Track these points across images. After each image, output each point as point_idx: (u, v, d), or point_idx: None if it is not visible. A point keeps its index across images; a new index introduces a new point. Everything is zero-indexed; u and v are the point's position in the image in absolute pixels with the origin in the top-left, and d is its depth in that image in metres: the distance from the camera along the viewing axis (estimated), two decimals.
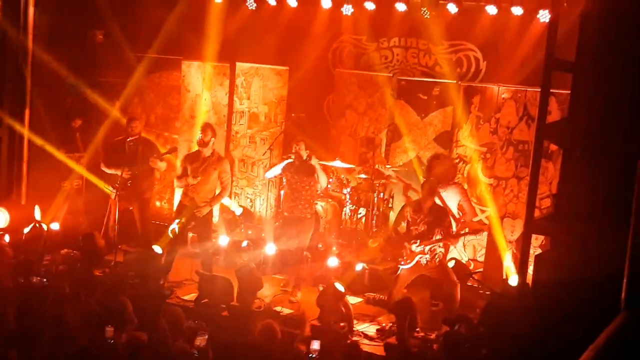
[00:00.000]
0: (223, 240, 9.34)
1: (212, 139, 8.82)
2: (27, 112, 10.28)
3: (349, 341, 7.11)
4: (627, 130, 5.29)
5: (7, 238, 8.96)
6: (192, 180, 8.74)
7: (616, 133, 5.31)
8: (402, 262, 8.02)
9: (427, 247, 7.90)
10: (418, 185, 9.15)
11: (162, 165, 9.67)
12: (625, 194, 5.06)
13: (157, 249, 8.62)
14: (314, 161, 8.79)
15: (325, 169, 9.50)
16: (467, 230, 8.45)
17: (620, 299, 4.20)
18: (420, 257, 7.94)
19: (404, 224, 8.19)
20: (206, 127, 8.91)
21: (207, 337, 6.13)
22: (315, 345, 6.10)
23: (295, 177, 8.93)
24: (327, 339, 6.52)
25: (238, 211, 10.43)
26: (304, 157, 8.83)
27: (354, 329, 7.61)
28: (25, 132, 10.34)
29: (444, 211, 8.16)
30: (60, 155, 10.29)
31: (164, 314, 6.56)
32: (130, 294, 7.37)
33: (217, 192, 8.93)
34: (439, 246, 7.96)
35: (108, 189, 9.62)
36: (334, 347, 6.43)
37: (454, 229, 8.27)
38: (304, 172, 8.89)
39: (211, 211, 9.00)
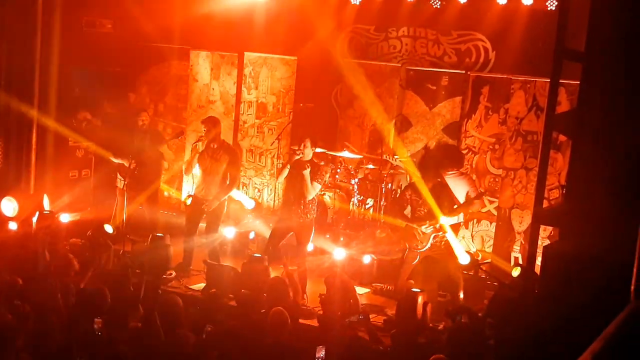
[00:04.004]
0: (229, 231, 9.35)
1: (217, 130, 8.83)
2: (35, 102, 10.28)
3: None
4: (637, 120, 5.24)
5: (14, 226, 9.00)
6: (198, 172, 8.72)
7: (626, 124, 5.26)
8: (419, 247, 8.03)
9: (438, 225, 7.93)
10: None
11: (169, 153, 9.68)
12: (636, 185, 5.03)
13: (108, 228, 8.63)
14: (306, 172, 8.21)
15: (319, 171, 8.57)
16: (474, 195, 8.37)
17: (629, 289, 4.18)
18: (434, 237, 7.96)
19: (408, 208, 8.18)
20: (206, 122, 8.89)
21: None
22: (322, 353, 6.06)
23: (296, 177, 8.39)
24: (332, 329, 6.54)
25: (250, 204, 10.38)
26: (308, 157, 8.35)
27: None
28: (34, 121, 10.35)
29: (446, 189, 8.14)
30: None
31: (160, 303, 6.54)
32: (135, 283, 7.37)
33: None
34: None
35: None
36: (339, 338, 6.44)
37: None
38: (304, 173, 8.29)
39: (222, 203, 8.95)
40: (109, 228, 9.10)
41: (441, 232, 8.01)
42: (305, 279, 8.44)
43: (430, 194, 7.97)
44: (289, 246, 9.00)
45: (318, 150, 10.34)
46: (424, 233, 8.02)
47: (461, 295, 8.06)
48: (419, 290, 7.31)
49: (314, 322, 7.43)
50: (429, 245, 8.04)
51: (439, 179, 8.17)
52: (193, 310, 7.32)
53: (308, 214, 8.45)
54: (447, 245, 8.13)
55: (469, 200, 8.31)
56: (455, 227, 8.52)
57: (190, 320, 6.76)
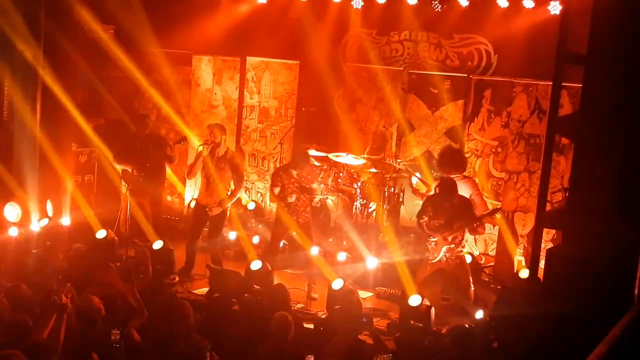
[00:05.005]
0: (232, 236, 9.35)
1: (223, 137, 8.85)
2: (38, 107, 10.29)
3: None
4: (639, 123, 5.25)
5: (16, 232, 9.01)
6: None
7: (629, 126, 5.26)
8: (430, 257, 8.00)
9: (450, 237, 7.90)
10: (426, 177, 9.15)
11: (174, 156, 9.67)
12: (638, 187, 5.03)
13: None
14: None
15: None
16: (487, 212, 8.34)
17: (633, 293, 4.18)
18: (446, 249, 7.92)
19: (424, 218, 8.13)
20: (213, 128, 8.93)
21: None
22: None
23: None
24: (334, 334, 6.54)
25: (250, 206, 10.41)
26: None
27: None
28: (37, 126, 10.36)
29: (467, 204, 8.10)
30: None
31: (169, 309, 6.52)
32: (139, 288, 7.37)
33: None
34: (461, 236, 7.93)
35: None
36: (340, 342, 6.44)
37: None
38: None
39: (226, 208, 8.98)
40: (101, 234, 9.07)
41: (453, 245, 7.97)
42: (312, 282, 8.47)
43: (450, 208, 7.93)
44: (293, 250, 9.04)
45: (320, 154, 10.41)
46: (437, 244, 7.97)
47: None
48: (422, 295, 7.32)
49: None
50: (440, 256, 7.99)
51: (462, 195, 8.13)
52: (197, 315, 7.32)
53: (304, 212, 8.56)
54: (462, 260, 8.09)
55: (485, 215, 8.27)
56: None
57: (195, 325, 6.76)
